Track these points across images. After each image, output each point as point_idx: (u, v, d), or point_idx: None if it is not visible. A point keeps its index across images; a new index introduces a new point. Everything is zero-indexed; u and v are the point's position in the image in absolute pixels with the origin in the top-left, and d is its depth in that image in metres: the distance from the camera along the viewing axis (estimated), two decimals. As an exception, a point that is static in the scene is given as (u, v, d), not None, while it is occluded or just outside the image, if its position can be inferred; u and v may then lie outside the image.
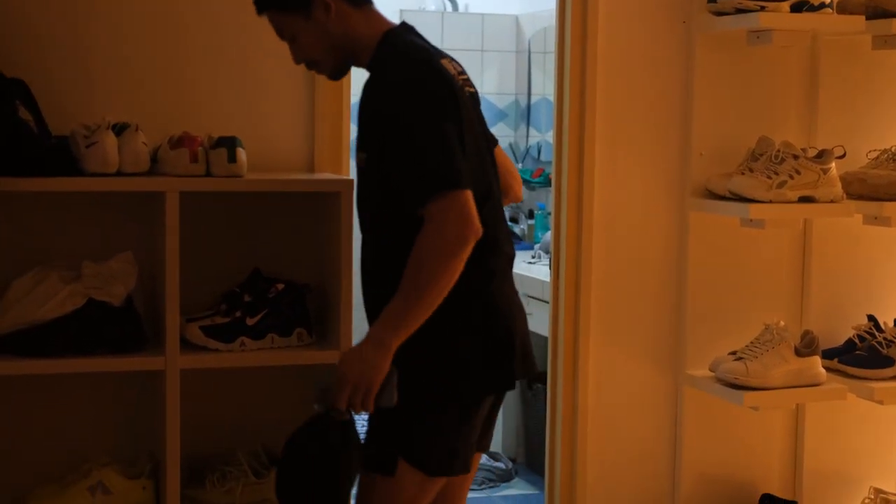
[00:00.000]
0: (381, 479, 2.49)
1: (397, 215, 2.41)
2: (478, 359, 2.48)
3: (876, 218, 3.45)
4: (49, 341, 2.81)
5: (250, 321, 2.93)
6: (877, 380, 3.48)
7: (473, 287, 2.44)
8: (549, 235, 4.39)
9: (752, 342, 3.43)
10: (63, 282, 2.85)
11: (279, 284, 2.99)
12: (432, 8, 5.84)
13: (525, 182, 5.79)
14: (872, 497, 3.58)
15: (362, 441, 2.49)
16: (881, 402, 3.46)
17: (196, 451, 3.04)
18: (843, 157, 3.44)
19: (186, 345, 2.90)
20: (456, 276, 2.34)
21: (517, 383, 2.62)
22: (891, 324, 3.56)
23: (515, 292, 2.63)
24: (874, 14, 3.42)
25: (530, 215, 5.79)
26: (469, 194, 2.35)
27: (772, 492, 3.62)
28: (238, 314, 2.93)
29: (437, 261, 2.32)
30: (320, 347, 2.99)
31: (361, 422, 2.52)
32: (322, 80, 3.14)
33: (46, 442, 3.06)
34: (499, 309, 2.52)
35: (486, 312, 2.50)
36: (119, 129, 2.83)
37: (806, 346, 3.42)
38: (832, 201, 3.39)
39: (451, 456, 2.50)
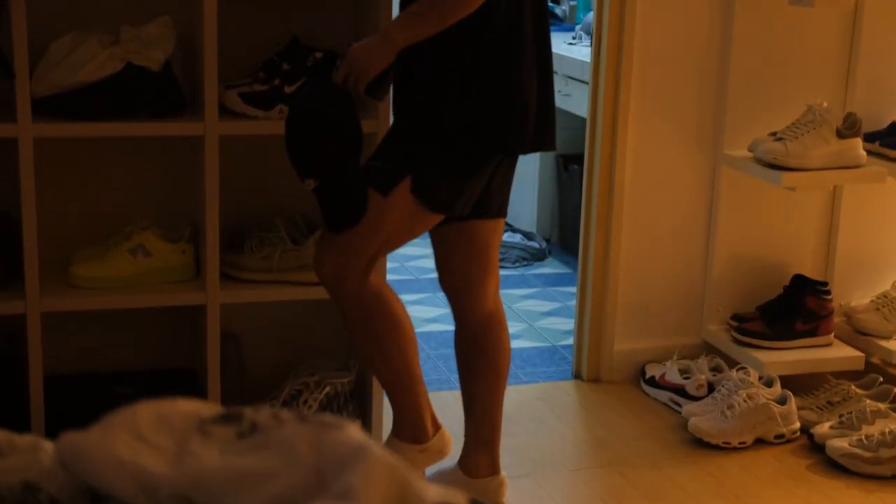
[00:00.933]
0: (375, 196, 2.56)
1: None
2: (496, 116, 2.55)
3: (929, -2, 3.36)
4: (88, 104, 2.82)
5: (288, 89, 2.92)
6: (918, 164, 3.46)
7: (505, 48, 2.51)
8: (591, 16, 4.32)
9: (793, 123, 3.39)
10: (101, 45, 2.84)
11: (317, 53, 2.97)
12: None
13: (568, -37, 5.66)
14: (904, 280, 3.61)
15: (375, 157, 2.62)
16: (920, 187, 3.45)
17: (235, 217, 3.09)
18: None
19: (225, 112, 2.90)
20: (477, 4, 2.42)
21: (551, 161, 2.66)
22: (936, 108, 3.51)
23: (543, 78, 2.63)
24: None
25: (572, -4, 5.68)
26: None
27: (803, 273, 3.64)
28: (276, 82, 2.93)
29: None
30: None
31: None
32: None
33: (88, 205, 3.11)
34: (522, 78, 2.56)
35: (509, 74, 2.54)
36: None
37: (848, 128, 3.38)
38: (885, -21, 3.30)
39: (453, 197, 2.59)
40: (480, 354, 2.85)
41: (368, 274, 2.64)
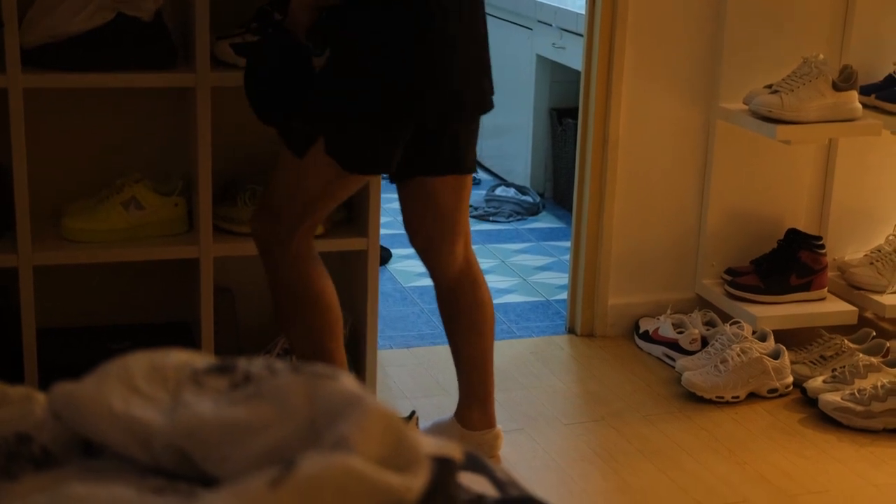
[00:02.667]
0: (291, 158, 2.58)
1: None
2: (407, 81, 2.49)
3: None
4: (79, 55, 2.79)
5: (281, 40, 2.88)
6: (913, 116, 3.44)
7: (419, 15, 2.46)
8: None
9: (789, 75, 3.37)
10: (92, -5, 2.81)
11: (310, 4, 2.94)
12: None
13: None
14: (897, 234, 3.61)
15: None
16: (915, 140, 3.44)
17: (227, 169, 3.07)
18: None
19: (217, 62, 2.88)
20: None
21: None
22: (932, 61, 3.49)
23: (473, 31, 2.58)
24: None
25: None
26: None
27: (798, 227, 3.64)
28: (269, 32, 2.89)
29: None
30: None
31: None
32: None
33: (79, 157, 3.09)
34: (442, 40, 2.50)
35: (430, 39, 2.48)
36: None
37: (844, 81, 3.37)
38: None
39: (369, 157, 2.56)
40: (459, 313, 2.84)
41: (294, 240, 2.62)
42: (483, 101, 2.62)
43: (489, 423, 2.92)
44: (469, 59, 2.56)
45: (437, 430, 2.93)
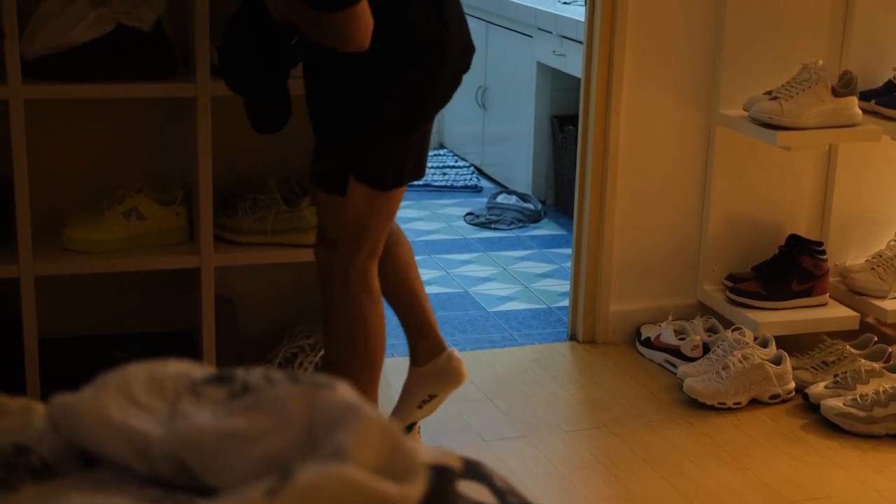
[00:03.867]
0: (337, 199, 2.55)
1: None
2: (419, 86, 2.50)
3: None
4: (79, 66, 2.80)
5: (280, 49, 2.89)
6: (913, 122, 3.44)
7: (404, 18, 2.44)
8: (585, -27, 4.28)
9: (788, 81, 3.38)
10: (91, 5, 2.81)
11: (310, 13, 2.94)
12: None
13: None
14: (899, 240, 3.60)
15: (315, 160, 2.59)
16: (915, 145, 3.44)
17: (228, 179, 3.07)
18: None
19: (217, 72, 2.88)
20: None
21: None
22: (932, 66, 3.49)
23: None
24: None
25: (567, -44, 5.64)
26: None
27: (799, 233, 3.64)
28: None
29: None
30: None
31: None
32: None
33: (80, 167, 3.09)
34: (425, 32, 2.48)
35: (421, 38, 2.47)
36: None
37: (844, 86, 3.37)
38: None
39: (401, 170, 2.56)
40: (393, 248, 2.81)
41: (355, 266, 2.59)
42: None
43: (438, 348, 2.87)
44: (456, 56, 2.55)
45: (405, 391, 2.89)
